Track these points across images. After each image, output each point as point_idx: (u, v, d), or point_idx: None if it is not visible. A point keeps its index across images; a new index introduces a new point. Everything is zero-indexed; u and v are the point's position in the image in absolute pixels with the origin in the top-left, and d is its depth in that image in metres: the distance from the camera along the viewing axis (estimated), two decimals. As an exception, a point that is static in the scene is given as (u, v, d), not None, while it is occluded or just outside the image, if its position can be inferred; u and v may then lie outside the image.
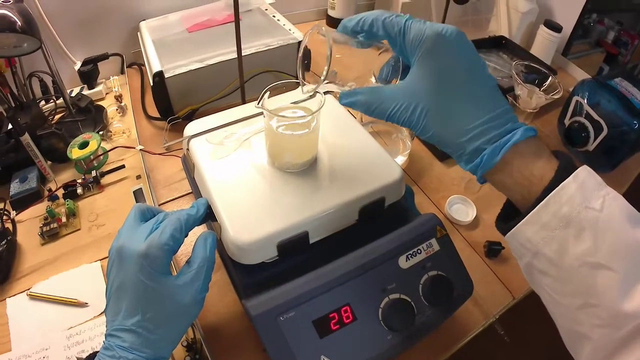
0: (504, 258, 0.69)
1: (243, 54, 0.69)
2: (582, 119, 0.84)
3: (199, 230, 0.51)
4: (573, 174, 0.35)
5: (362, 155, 0.56)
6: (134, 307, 0.41)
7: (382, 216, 0.55)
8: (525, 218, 0.36)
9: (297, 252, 0.50)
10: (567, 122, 0.88)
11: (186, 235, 0.49)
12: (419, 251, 0.52)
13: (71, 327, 0.58)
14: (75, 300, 0.60)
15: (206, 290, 0.46)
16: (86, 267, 0.64)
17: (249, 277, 0.51)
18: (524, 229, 0.37)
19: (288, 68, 0.85)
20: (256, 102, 0.49)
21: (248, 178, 0.53)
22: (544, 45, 1.08)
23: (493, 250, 0.67)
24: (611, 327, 0.33)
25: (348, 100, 0.42)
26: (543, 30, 1.06)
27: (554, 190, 0.35)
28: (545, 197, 0.35)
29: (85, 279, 0.63)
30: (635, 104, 0.84)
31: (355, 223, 0.54)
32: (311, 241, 0.51)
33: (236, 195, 0.51)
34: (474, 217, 0.72)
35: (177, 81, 0.77)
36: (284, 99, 0.54)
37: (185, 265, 0.45)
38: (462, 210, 0.74)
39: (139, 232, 0.44)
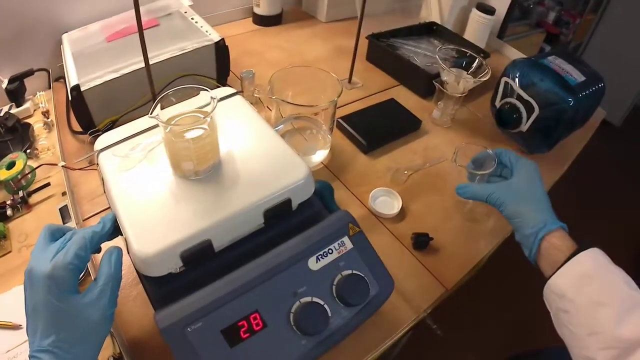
0: (434, 249, 0.67)
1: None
2: (513, 100, 0.83)
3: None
4: (586, 250, 0.53)
5: (268, 156, 0.55)
6: (48, 328, 0.41)
7: (292, 217, 0.54)
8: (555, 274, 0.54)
9: (202, 261, 0.49)
10: (498, 104, 0.87)
11: (97, 251, 0.49)
12: (330, 251, 0.51)
13: (9, 351, 0.57)
14: (10, 323, 0.59)
15: (114, 306, 0.46)
16: (18, 288, 0.63)
17: (158, 288, 0.50)
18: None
19: (205, 70, 0.84)
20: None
21: (152, 189, 0.52)
22: (477, 29, 1.07)
23: (421, 242, 0.65)
24: (611, 349, 0.46)
25: (464, 191, 0.65)
26: (475, 14, 1.05)
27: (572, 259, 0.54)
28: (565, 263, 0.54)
29: (18, 301, 0.61)
30: (570, 81, 0.82)
31: (262, 227, 0.53)
32: (217, 249, 0.50)
33: (140, 207, 0.50)
34: (399, 209, 0.70)
35: (94, 93, 0.75)
36: (189, 105, 0.52)
37: (92, 282, 0.45)
38: (387, 202, 0.72)
39: (46, 253, 0.45)
